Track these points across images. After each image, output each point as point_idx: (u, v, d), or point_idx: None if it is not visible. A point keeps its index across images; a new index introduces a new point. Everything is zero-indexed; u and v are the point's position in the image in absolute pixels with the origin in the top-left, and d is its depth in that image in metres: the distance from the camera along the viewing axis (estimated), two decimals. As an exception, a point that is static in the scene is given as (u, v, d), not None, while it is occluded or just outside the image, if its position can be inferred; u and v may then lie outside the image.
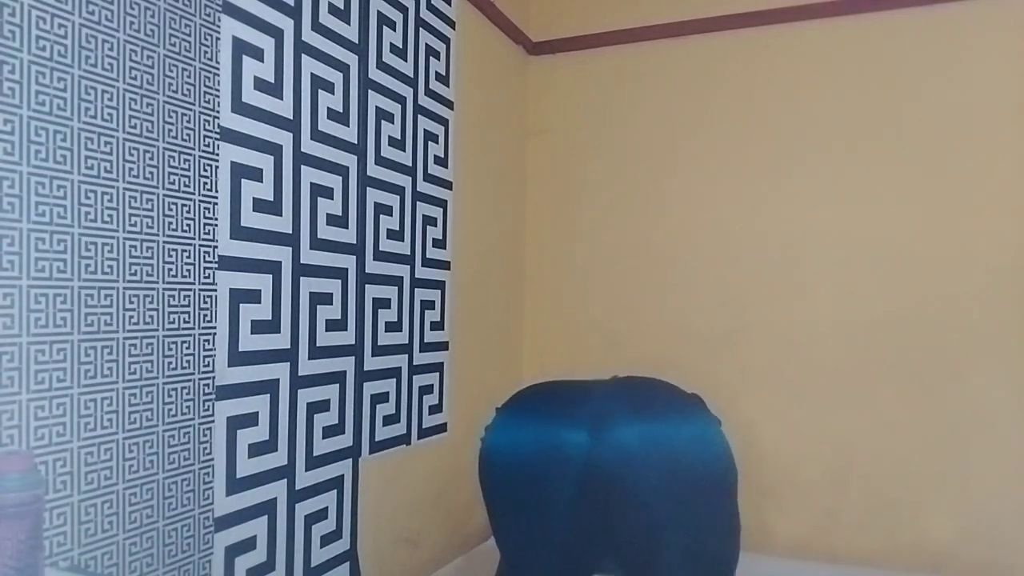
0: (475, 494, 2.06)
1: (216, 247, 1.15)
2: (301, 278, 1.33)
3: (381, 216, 1.57)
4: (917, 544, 1.83)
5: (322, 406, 1.40)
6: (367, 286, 1.52)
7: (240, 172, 1.20)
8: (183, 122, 1.10)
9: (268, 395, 1.27)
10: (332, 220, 1.42)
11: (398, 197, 1.63)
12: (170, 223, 1.08)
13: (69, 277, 0.94)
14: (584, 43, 2.22)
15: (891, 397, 1.87)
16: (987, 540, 1.78)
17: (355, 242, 1.49)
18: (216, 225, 1.15)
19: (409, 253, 1.67)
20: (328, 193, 1.41)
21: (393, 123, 1.60)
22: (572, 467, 1.27)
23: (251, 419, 1.23)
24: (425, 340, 1.74)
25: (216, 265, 1.15)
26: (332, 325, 1.42)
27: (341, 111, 1.44)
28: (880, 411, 1.88)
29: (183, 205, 1.10)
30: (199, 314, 1.13)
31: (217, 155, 1.15)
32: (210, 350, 1.15)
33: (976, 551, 1.79)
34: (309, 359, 1.36)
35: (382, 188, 1.57)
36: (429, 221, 1.75)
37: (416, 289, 1.70)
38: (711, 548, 1.27)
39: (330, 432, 1.42)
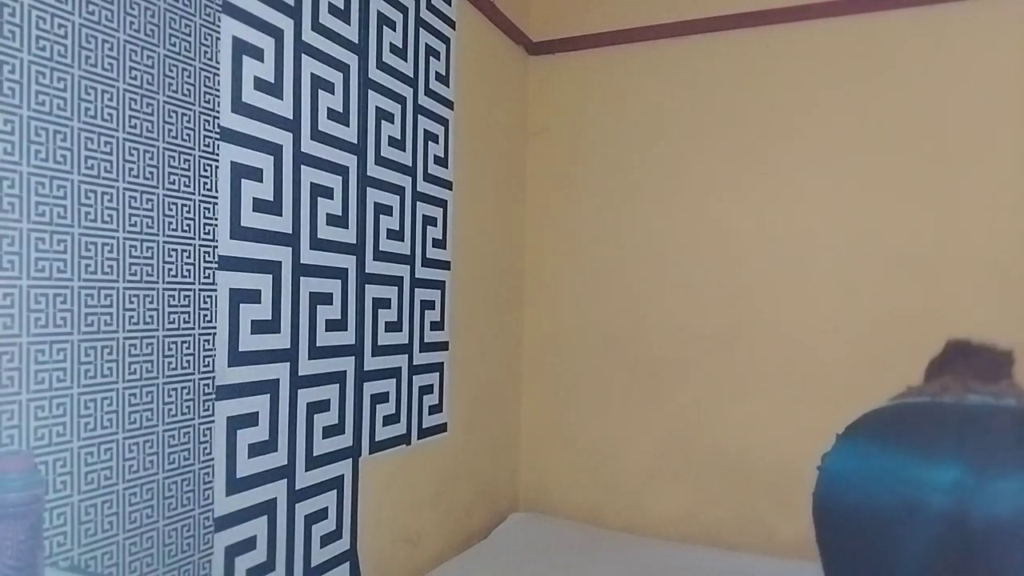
0: (475, 494, 2.07)
1: (216, 247, 1.15)
2: (301, 278, 1.33)
3: (381, 216, 1.57)
4: (917, 544, 1.83)
5: (322, 406, 1.40)
6: (367, 286, 1.52)
7: (240, 172, 1.20)
8: (183, 122, 1.10)
9: (268, 395, 1.27)
10: (332, 220, 1.42)
11: (398, 197, 1.63)
12: (170, 223, 1.08)
13: (69, 277, 0.94)
14: (584, 43, 2.22)
15: (891, 397, 1.87)
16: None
17: (355, 242, 1.49)
18: (216, 225, 1.15)
19: (409, 253, 1.67)
20: (328, 193, 1.41)
21: (393, 123, 1.60)
22: (931, 515, 0.98)
23: (251, 419, 1.23)
24: (425, 340, 1.74)
25: (216, 265, 1.15)
26: (332, 325, 1.42)
27: (341, 111, 1.44)
28: (880, 411, 1.88)
29: (183, 205, 1.10)
30: (199, 314, 1.13)
31: (217, 155, 1.15)
32: (210, 350, 1.15)
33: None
34: (309, 359, 1.36)
35: (382, 188, 1.57)
36: (429, 221, 1.75)
37: (416, 289, 1.70)
38: None
39: (330, 432, 1.42)
